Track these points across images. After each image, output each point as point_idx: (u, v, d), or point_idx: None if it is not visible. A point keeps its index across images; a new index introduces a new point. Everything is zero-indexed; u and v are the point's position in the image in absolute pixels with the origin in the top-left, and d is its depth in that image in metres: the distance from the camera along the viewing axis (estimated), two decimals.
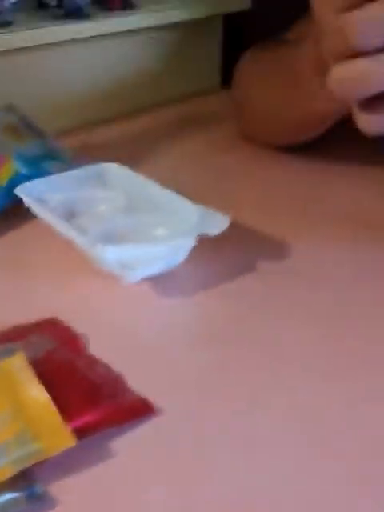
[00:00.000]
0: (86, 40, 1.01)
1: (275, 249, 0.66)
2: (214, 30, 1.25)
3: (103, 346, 0.52)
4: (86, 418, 0.44)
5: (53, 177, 0.71)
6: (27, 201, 0.66)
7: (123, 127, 0.99)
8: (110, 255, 0.57)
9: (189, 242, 0.58)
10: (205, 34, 1.23)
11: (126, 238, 0.62)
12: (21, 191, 0.67)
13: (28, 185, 0.69)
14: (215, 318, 0.56)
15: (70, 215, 0.67)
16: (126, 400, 0.46)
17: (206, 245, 0.60)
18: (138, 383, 0.48)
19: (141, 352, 0.52)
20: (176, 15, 1.13)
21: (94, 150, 0.88)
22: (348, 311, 0.56)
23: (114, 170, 0.72)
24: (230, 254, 0.65)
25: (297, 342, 0.52)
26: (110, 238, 0.60)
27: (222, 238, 0.60)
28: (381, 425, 0.44)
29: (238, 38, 1.36)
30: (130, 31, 1.07)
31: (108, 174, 0.72)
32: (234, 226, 0.61)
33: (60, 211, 0.65)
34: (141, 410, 0.46)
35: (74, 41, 1.00)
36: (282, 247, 0.66)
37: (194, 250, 0.59)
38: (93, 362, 0.50)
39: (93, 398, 0.46)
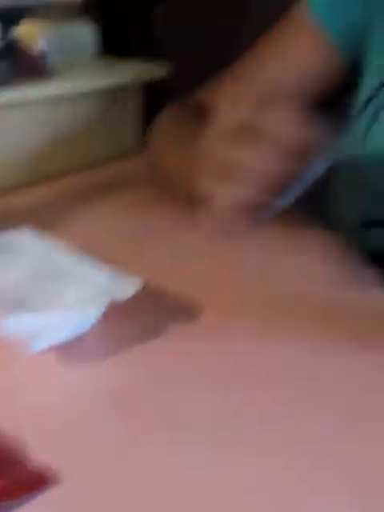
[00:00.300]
0: (2, 107, 1.02)
1: (185, 313, 0.66)
2: (133, 95, 1.27)
3: (4, 416, 0.51)
4: None
5: None
6: None
7: (39, 193, 0.99)
8: (12, 324, 0.57)
9: (97, 309, 0.59)
10: (124, 99, 1.25)
11: (35, 305, 0.61)
12: None
13: None
14: (122, 386, 0.56)
15: None
16: (24, 472, 0.46)
17: (116, 308, 0.60)
18: (41, 453, 0.47)
19: (44, 421, 0.52)
20: (94, 83, 1.15)
21: (8, 216, 0.88)
22: (251, 378, 0.57)
23: (24, 237, 0.72)
24: (140, 317, 0.65)
25: (202, 412, 0.53)
26: (19, 306, 0.60)
27: (132, 301, 0.60)
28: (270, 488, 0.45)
29: (159, 102, 1.39)
30: (47, 98, 1.08)
31: (18, 241, 0.72)
32: (145, 288, 0.62)
33: None
34: (39, 481, 0.45)
35: None
36: (192, 312, 0.66)
37: (105, 313, 0.59)
38: None
39: None
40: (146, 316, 0.66)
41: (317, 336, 0.61)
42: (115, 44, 1.58)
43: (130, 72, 1.24)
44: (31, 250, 0.70)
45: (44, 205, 0.93)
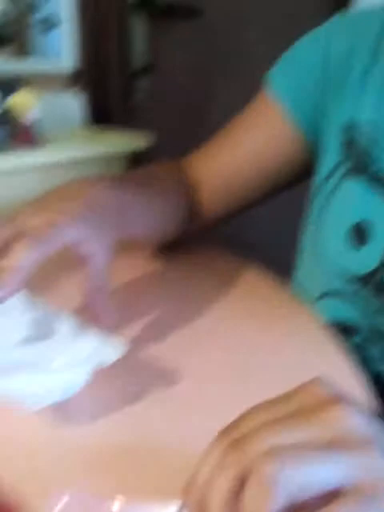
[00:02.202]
0: None
1: (165, 374, 0.70)
2: (119, 164, 1.33)
3: (3, 474, 0.54)
4: None
5: None
6: None
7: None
8: (10, 385, 0.60)
9: (85, 373, 0.62)
10: (110, 168, 1.31)
11: (23, 368, 0.65)
12: None
13: None
14: (108, 448, 0.59)
15: None
16: None
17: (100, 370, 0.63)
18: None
19: (33, 481, 0.55)
20: (82, 152, 1.20)
21: None
22: None
23: (14, 297, 0.75)
24: (123, 379, 0.68)
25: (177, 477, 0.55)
26: (7, 369, 0.63)
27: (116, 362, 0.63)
28: None
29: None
30: (38, 166, 1.13)
31: (9, 301, 0.75)
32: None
33: None
34: None
35: None
36: (173, 373, 0.69)
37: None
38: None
39: None
40: (127, 376, 0.69)
41: None
42: (100, 114, 1.65)
43: (115, 142, 1.29)
44: (21, 310, 0.73)
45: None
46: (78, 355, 0.64)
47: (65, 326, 0.69)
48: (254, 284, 0.91)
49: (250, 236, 1.56)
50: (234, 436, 0.47)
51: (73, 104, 1.46)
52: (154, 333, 0.78)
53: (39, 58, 1.54)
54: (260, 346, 0.67)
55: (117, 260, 0.92)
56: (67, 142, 1.22)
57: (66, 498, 0.52)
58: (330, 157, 0.84)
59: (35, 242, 0.61)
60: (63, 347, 0.67)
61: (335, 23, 0.86)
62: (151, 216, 0.82)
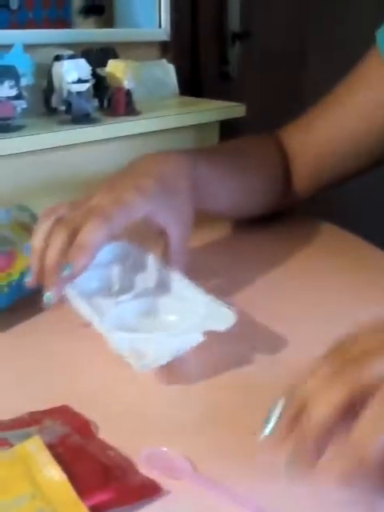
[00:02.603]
0: (92, 143, 1.08)
1: (271, 341, 0.70)
2: (212, 133, 1.33)
3: (113, 431, 0.55)
4: (100, 497, 0.47)
5: None
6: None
7: None
8: (123, 343, 0.61)
9: (197, 337, 0.62)
10: (203, 137, 1.31)
11: (139, 322, 0.66)
12: None
13: None
14: (222, 406, 0.60)
15: (89, 293, 0.70)
16: (136, 481, 0.50)
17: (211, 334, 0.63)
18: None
19: (147, 436, 0.55)
20: (176, 121, 1.21)
21: None
22: None
23: (134, 251, 0.76)
24: (233, 342, 0.69)
25: None
26: (124, 322, 0.64)
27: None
28: None
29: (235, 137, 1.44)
30: (133, 135, 1.14)
31: (128, 254, 0.75)
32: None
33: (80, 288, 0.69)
34: (149, 490, 0.49)
35: (80, 144, 1.07)
36: (278, 340, 0.70)
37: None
38: (103, 446, 0.54)
39: (105, 479, 0.49)
40: (238, 342, 0.69)
41: None
42: (193, 83, 1.65)
43: (207, 111, 1.29)
44: (141, 264, 0.74)
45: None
46: (190, 316, 0.64)
47: (178, 285, 0.69)
48: (359, 255, 0.89)
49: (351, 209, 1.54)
50: (346, 356, 0.46)
51: (165, 73, 1.46)
52: (260, 302, 0.78)
53: (131, 27, 1.55)
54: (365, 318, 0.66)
55: (221, 233, 0.93)
56: (160, 111, 1.22)
57: (147, 452, 0.53)
58: None
59: (103, 221, 0.64)
60: (177, 304, 0.68)
61: None
62: (237, 190, 0.82)
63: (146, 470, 0.51)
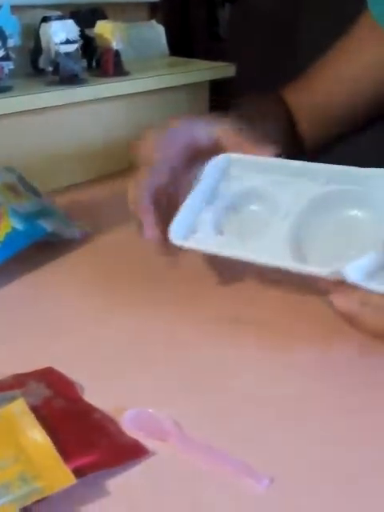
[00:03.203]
0: (80, 104, 1.06)
1: None
2: (202, 93, 1.31)
3: (98, 393, 0.55)
4: (84, 460, 0.47)
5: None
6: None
7: (115, 186, 1.02)
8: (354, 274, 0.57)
9: None
10: (193, 97, 1.29)
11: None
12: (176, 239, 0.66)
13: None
14: (211, 368, 0.59)
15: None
16: (120, 443, 0.49)
17: None
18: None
19: (133, 397, 0.55)
20: (164, 81, 1.19)
21: (86, 208, 0.92)
22: None
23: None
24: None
25: None
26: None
27: None
28: None
29: (224, 100, 1.42)
30: (122, 96, 1.12)
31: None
32: None
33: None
34: (134, 452, 0.49)
35: (69, 105, 1.05)
36: None
37: None
38: (88, 408, 0.53)
39: (89, 441, 0.49)
40: None
41: None
42: (182, 44, 1.63)
43: (197, 72, 1.27)
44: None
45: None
46: None
47: None
48: None
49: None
50: None
51: (155, 34, 1.44)
52: None
53: None
54: None
55: None
56: (149, 71, 1.20)
57: (132, 414, 0.52)
58: None
59: (149, 170, 0.66)
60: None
61: None
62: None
63: (131, 432, 0.51)
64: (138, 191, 0.66)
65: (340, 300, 0.57)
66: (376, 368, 0.59)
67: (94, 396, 0.55)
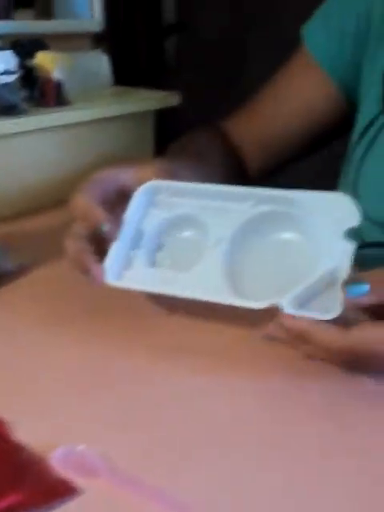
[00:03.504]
0: (20, 135, 1.05)
1: None
2: (146, 123, 1.30)
3: (29, 430, 0.54)
4: (11, 499, 0.45)
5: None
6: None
7: (54, 218, 1.01)
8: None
9: None
10: (137, 127, 1.28)
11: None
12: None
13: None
14: (142, 403, 0.58)
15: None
16: (49, 482, 0.48)
17: None
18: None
19: (63, 434, 0.54)
20: (107, 111, 1.18)
21: (21, 240, 0.91)
22: None
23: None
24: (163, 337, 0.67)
25: None
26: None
27: None
28: None
29: (170, 129, 1.42)
30: (64, 126, 1.11)
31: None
32: None
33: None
34: (63, 490, 0.47)
35: (7, 135, 1.04)
36: None
37: None
38: (17, 446, 0.52)
39: (16, 481, 0.47)
40: None
41: None
42: (128, 74, 1.62)
43: (141, 101, 1.27)
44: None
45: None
46: None
47: None
48: None
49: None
50: None
51: (99, 64, 1.44)
52: None
53: (64, 17, 1.52)
54: None
55: None
56: (93, 101, 1.20)
57: (61, 451, 0.51)
58: (368, 107, 0.83)
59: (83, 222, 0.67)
60: None
61: None
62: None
63: (60, 470, 0.49)
64: (78, 244, 0.66)
65: (289, 320, 0.57)
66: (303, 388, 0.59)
67: (25, 433, 0.53)
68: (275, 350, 0.63)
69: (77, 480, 0.48)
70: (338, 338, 0.56)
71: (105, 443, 0.52)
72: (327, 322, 0.56)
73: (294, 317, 0.57)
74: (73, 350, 0.66)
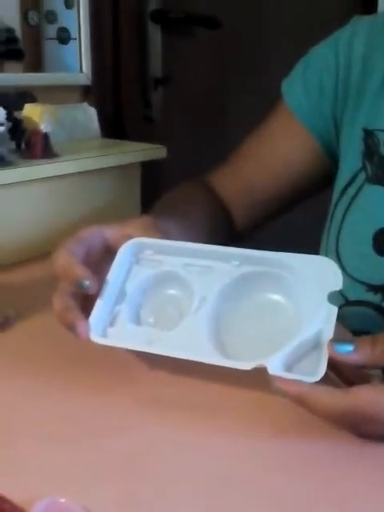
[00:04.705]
0: (6, 186, 1.06)
1: None
2: (133, 175, 1.32)
3: (10, 482, 0.53)
4: None
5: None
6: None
7: (40, 270, 1.01)
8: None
9: None
10: (124, 179, 1.30)
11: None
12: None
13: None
14: (125, 454, 0.58)
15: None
16: None
17: None
18: None
19: (45, 487, 0.53)
20: (94, 163, 1.20)
21: (5, 292, 0.91)
22: None
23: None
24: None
25: None
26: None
27: None
28: None
29: (156, 181, 1.44)
30: (51, 178, 1.13)
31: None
32: None
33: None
34: None
35: None
36: None
37: None
38: None
39: None
40: None
41: None
42: (115, 126, 1.65)
43: (128, 154, 1.29)
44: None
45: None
46: None
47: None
48: None
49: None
50: None
51: (86, 116, 1.46)
52: None
53: (53, 70, 1.54)
54: None
55: None
56: (81, 153, 1.21)
57: (43, 503, 0.50)
58: (349, 164, 0.84)
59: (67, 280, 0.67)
60: None
61: (354, 27, 0.85)
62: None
63: None
64: (62, 300, 0.66)
65: (286, 384, 0.57)
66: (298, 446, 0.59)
67: (6, 485, 0.53)
68: (258, 403, 0.64)
69: None
70: (329, 403, 0.55)
71: (87, 496, 0.52)
72: (324, 384, 0.56)
73: (283, 379, 0.57)
74: (55, 403, 0.66)
